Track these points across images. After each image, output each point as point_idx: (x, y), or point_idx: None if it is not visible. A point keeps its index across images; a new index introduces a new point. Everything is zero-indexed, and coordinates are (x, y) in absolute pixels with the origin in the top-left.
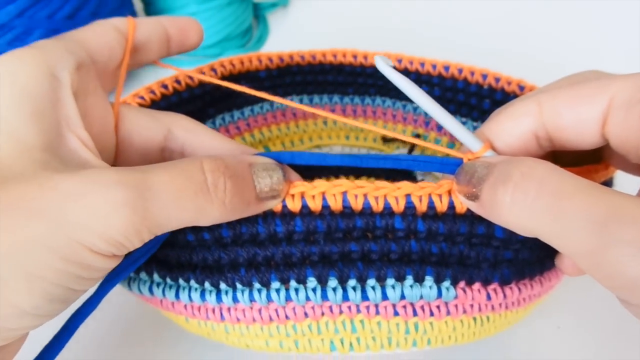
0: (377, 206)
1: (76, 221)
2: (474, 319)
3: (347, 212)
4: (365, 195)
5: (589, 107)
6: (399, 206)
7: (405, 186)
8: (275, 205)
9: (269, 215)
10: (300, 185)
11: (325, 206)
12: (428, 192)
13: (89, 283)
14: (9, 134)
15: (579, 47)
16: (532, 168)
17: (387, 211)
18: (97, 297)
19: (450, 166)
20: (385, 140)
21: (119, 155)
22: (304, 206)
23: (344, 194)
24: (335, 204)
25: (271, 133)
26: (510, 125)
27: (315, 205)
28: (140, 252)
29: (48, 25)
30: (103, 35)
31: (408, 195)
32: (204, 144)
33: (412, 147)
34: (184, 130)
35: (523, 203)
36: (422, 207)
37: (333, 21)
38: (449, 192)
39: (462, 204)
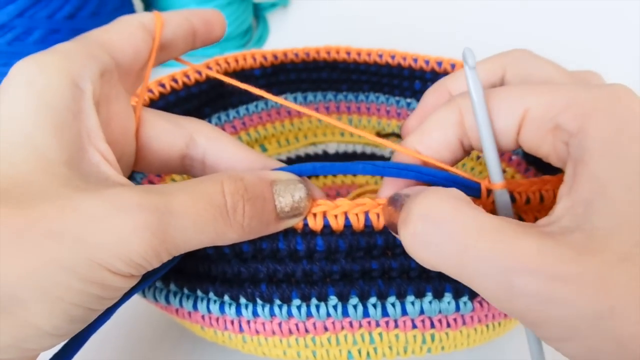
0: None
1: (96, 243)
2: (487, 325)
3: (368, 230)
4: None
5: (505, 120)
6: None
7: None
8: (297, 223)
9: (290, 233)
10: (322, 204)
11: (347, 225)
12: None
13: (107, 303)
14: (31, 148)
15: (579, 46)
16: (433, 209)
17: None
18: (110, 309)
19: (469, 189)
20: (380, 136)
21: (138, 161)
22: (326, 225)
23: (366, 213)
24: (357, 223)
25: (266, 131)
26: (437, 135)
27: (337, 224)
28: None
29: (48, 25)
30: (129, 35)
31: None
32: (226, 154)
33: None
34: (206, 138)
35: (425, 248)
36: None
37: (333, 21)
38: None
39: None
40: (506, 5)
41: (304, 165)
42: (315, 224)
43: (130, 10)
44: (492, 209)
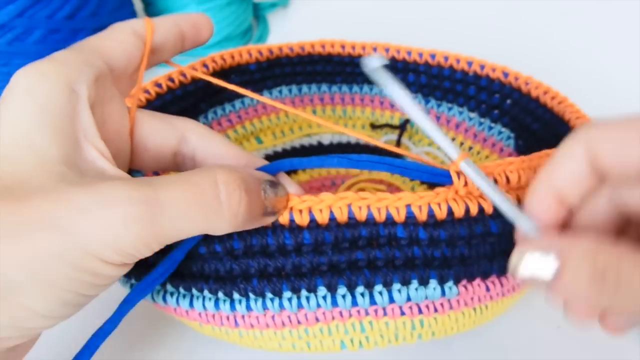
0: (380, 216)
1: (88, 234)
2: (474, 309)
3: (352, 222)
4: (368, 207)
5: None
6: (400, 216)
7: (405, 196)
8: (271, 221)
9: (277, 228)
10: (307, 200)
11: (332, 218)
12: (427, 202)
13: (100, 289)
14: (31, 149)
15: (577, 44)
16: (609, 260)
17: (390, 221)
18: (117, 316)
19: (439, 177)
20: (374, 126)
21: (133, 159)
22: (312, 220)
23: (349, 206)
24: (341, 216)
25: (262, 124)
26: (569, 168)
27: (322, 218)
28: (157, 272)
29: (48, 25)
30: (122, 42)
31: (408, 206)
32: (214, 151)
33: (401, 132)
34: (196, 135)
35: None
36: (422, 216)
37: (333, 21)
38: (447, 200)
39: (460, 209)
40: (503, 2)
41: (282, 161)
42: (302, 219)
43: (130, 10)
44: (467, 191)
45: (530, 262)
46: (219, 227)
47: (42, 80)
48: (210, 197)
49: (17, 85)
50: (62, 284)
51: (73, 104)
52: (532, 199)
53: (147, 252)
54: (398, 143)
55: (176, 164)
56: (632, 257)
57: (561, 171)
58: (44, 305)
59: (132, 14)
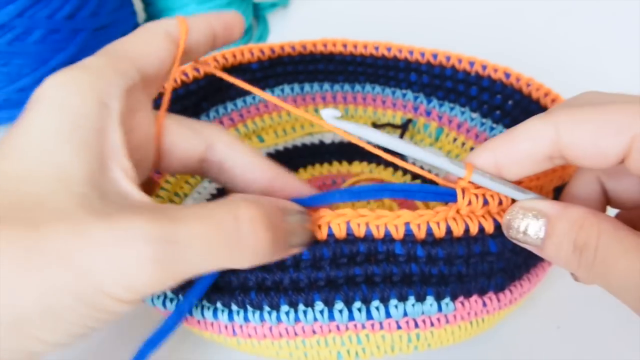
0: (378, 233)
1: (102, 271)
2: (470, 322)
3: (351, 239)
4: (367, 224)
5: (609, 143)
6: (398, 233)
7: (404, 214)
8: (296, 252)
9: None
10: None
11: (330, 234)
12: (426, 220)
13: (108, 322)
14: (54, 165)
15: (579, 45)
16: (589, 236)
17: (388, 238)
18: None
19: (444, 196)
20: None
21: (160, 163)
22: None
23: (348, 223)
24: (340, 232)
25: (264, 122)
26: (525, 147)
27: (321, 234)
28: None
29: (48, 25)
30: (155, 47)
31: (407, 223)
32: (242, 161)
33: (403, 132)
34: (224, 145)
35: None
36: (420, 234)
37: (333, 21)
38: (446, 219)
39: (460, 229)
40: (505, 2)
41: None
42: None
43: (130, 10)
44: (470, 210)
45: (522, 224)
46: (239, 264)
47: (72, 93)
48: (232, 233)
49: (45, 95)
50: (72, 318)
51: (103, 119)
52: (473, 159)
53: (161, 290)
54: None
55: (202, 170)
56: (612, 235)
57: (516, 151)
58: (51, 336)
59: (132, 14)
